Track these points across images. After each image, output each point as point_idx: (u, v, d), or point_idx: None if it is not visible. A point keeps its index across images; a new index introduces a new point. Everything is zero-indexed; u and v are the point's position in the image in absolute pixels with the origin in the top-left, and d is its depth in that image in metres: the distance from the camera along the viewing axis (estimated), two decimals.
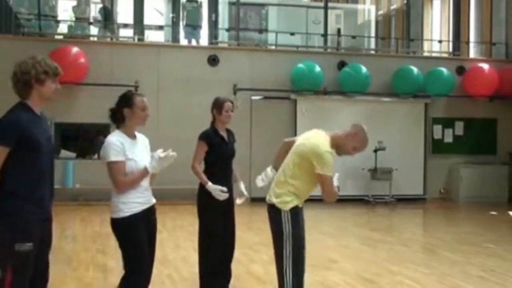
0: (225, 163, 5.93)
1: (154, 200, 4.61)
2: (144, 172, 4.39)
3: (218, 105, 5.94)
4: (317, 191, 4.79)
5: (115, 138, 4.42)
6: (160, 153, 4.40)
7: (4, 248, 3.64)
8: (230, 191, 5.90)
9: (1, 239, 3.64)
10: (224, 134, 5.97)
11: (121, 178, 4.36)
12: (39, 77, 3.80)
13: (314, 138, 4.77)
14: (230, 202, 5.93)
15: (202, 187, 5.84)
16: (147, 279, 4.52)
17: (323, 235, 10.01)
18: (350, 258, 8.49)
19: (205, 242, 5.84)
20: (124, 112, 4.47)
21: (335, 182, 4.68)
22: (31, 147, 3.71)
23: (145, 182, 4.50)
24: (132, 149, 4.44)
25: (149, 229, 4.53)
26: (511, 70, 15.34)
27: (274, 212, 4.72)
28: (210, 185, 5.68)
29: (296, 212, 4.71)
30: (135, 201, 4.41)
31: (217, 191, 5.68)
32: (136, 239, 4.40)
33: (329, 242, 9.69)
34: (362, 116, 14.93)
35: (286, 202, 4.68)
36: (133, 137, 4.53)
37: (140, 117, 4.51)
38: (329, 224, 11.54)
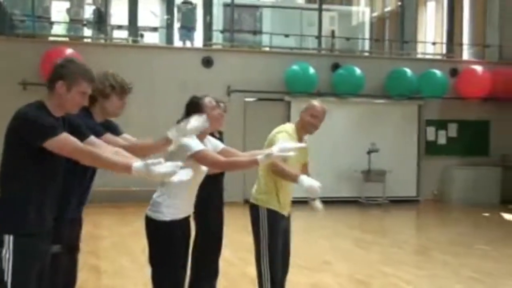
0: None
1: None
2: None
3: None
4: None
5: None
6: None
7: None
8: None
9: None
10: None
11: (223, 159, 4.24)
12: (104, 91, 3.90)
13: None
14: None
15: None
16: None
17: (316, 237, 10.03)
18: (343, 259, 8.51)
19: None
20: None
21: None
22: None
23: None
24: None
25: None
26: (504, 72, 15.37)
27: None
28: None
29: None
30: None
31: None
32: None
33: (323, 244, 9.72)
34: (356, 118, 15.03)
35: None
36: (203, 142, 4.40)
37: (213, 117, 4.43)
38: (322, 226, 11.54)
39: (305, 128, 5.02)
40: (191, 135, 3.91)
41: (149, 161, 3.19)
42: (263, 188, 4.91)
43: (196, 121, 3.78)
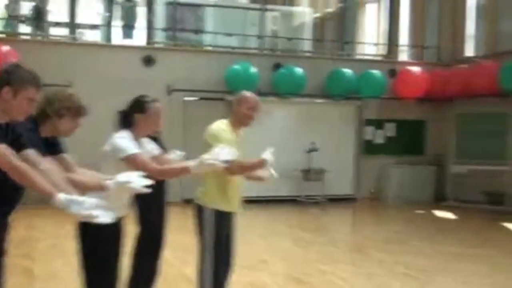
0: None
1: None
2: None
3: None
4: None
5: (124, 135, 4.20)
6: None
7: None
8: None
9: None
10: None
11: (155, 165, 4.15)
12: (60, 111, 3.78)
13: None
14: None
15: None
16: None
17: (254, 236, 10.08)
18: (280, 258, 8.59)
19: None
20: (135, 117, 4.30)
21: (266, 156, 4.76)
22: None
23: None
24: None
25: None
26: (441, 73, 15.70)
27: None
28: None
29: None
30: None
31: None
32: None
33: (260, 243, 9.76)
34: (296, 117, 15.17)
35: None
36: (139, 144, 4.33)
37: (154, 123, 4.38)
38: (261, 224, 11.62)
39: (241, 122, 4.95)
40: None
41: (73, 197, 3.18)
42: (208, 188, 4.86)
43: (136, 183, 3.52)
